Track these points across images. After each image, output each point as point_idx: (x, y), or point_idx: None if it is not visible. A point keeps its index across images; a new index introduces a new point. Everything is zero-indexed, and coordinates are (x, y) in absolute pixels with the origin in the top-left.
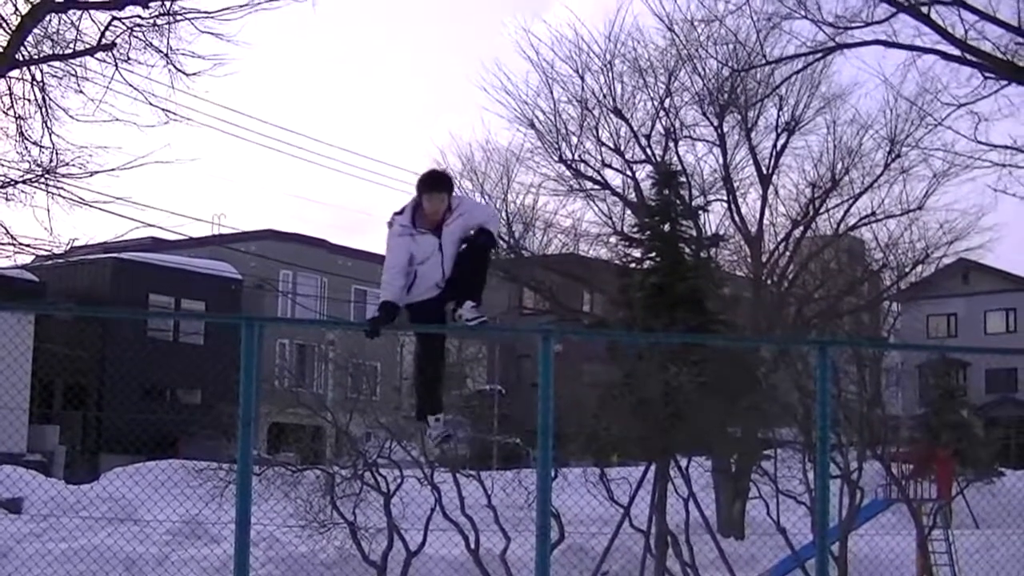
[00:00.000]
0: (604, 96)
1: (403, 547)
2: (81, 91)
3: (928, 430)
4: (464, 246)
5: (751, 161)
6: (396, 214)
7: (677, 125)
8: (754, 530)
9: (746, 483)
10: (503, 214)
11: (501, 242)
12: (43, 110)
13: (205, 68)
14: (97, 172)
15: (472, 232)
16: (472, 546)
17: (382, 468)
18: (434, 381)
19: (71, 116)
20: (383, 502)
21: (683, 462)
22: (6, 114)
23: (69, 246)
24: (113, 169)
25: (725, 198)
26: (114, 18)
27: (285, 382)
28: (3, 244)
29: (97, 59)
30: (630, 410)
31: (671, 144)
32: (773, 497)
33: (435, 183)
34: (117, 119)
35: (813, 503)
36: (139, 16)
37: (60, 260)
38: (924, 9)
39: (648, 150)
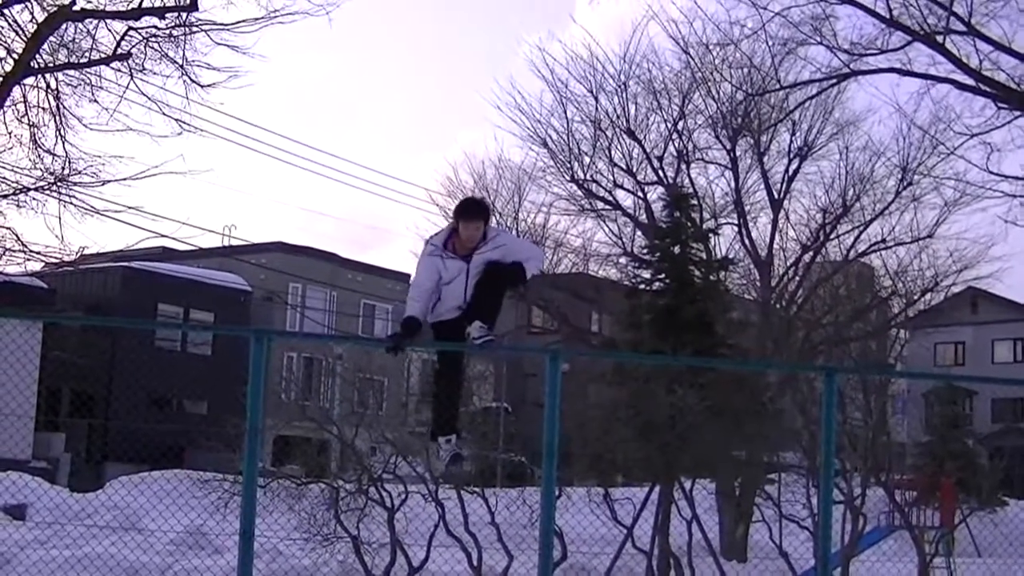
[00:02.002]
0: (618, 117)
1: (406, 562)
2: (95, 100)
3: (932, 458)
4: (489, 270)
5: (763, 185)
6: (434, 235)
7: (690, 148)
8: (756, 553)
9: (749, 506)
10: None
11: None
12: (57, 118)
13: (220, 80)
14: (109, 181)
15: (507, 261)
16: (475, 563)
17: (387, 483)
18: (449, 402)
19: (85, 125)
20: (387, 517)
21: (687, 484)
22: (20, 121)
23: (79, 254)
24: (126, 179)
25: (736, 221)
26: (130, 28)
27: (292, 395)
28: (14, 251)
29: (112, 68)
30: (635, 431)
31: (683, 166)
32: (776, 521)
33: (471, 211)
34: (131, 129)
35: (816, 528)
36: (155, 27)
37: (70, 268)
38: (939, 38)
39: (660, 172)
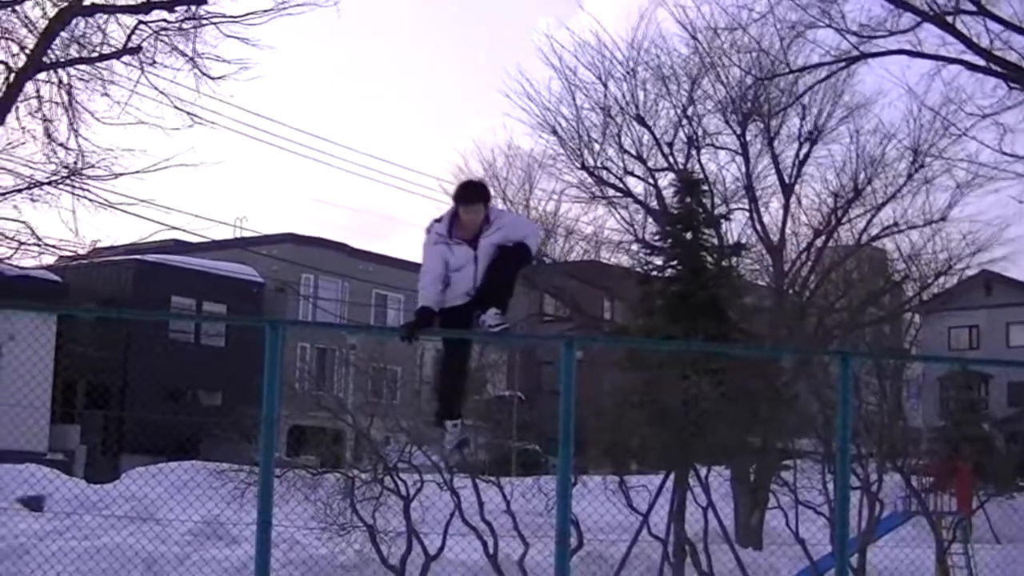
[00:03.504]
0: (627, 103)
1: (422, 551)
2: (107, 94)
3: (948, 443)
4: (496, 254)
5: (773, 170)
6: (435, 221)
7: (700, 133)
8: (772, 540)
9: (765, 493)
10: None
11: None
12: (69, 112)
13: (230, 72)
14: (122, 174)
15: (511, 243)
16: (491, 551)
17: (402, 472)
18: (455, 388)
19: (97, 119)
20: (403, 506)
21: (702, 471)
22: (33, 116)
23: (93, 247)
24: (138, 171)
25: (747, 207)
26: (140, 22)
27: (306, 385)
28: (28, 245)
29: (123, 62)
30: (650, 418)
31: (693, 152)
32: (792, 508)
33: (471, 195)
34: (142, 122)
35: (832, 514)
36: (165, 20)
37: (83, 261)
38: (949, 19)
39: (670, 158)
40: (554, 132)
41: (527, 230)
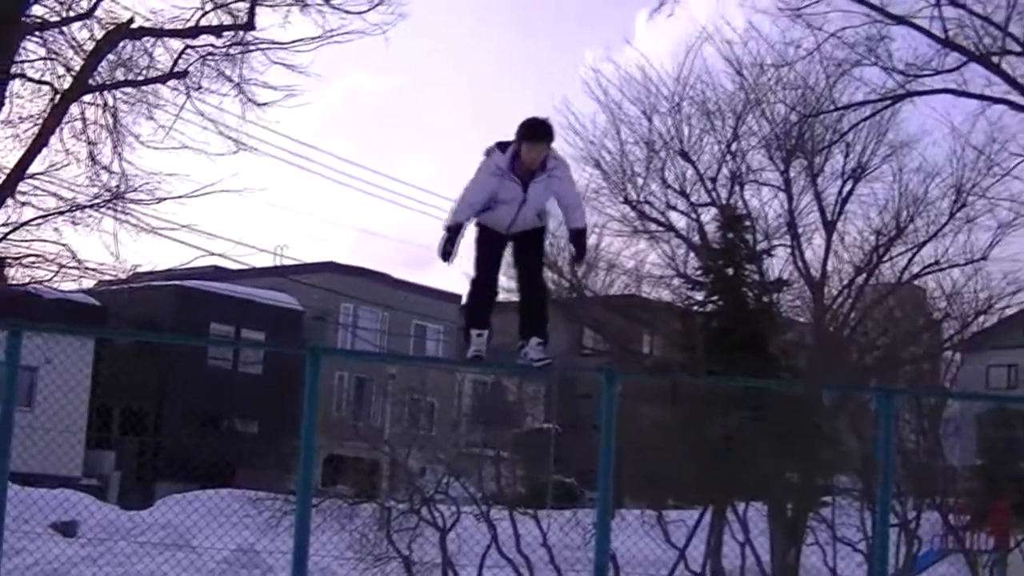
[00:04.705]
0: (671, 138)
1: None
2: (152, 118)
3: (987, 481)
4: (522, 272)
5: (816, 207)
6: (498, 147)
7: (743, 169)
8: None
9: (802, 529)
10: (565, 254)
11: (566, 279)
12: (114, 136)
13: (276, 99)
14: (165, 199)
15: (558, 204)
16: None
17: (439, 503)
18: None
19: (141, 142)
20: (439, 537)
21: (740, 507)
22: (78, 138)
23: (133, 272)
24: (181, 196)
25: (789, 243)
26: (187, 46)
27: (343, 414)
28: (68, 267)
29: (169, 87)
30: (689, 453)
31: (736, 188)
32: (829, 544)
33: (539, 133)
34: (187, 147)
35: (870, 551)
36: (212, 45)
37: (124, 286)
38: (995, 59)
39: (713, 193)
40: (598, 166)
41: (575, 199)
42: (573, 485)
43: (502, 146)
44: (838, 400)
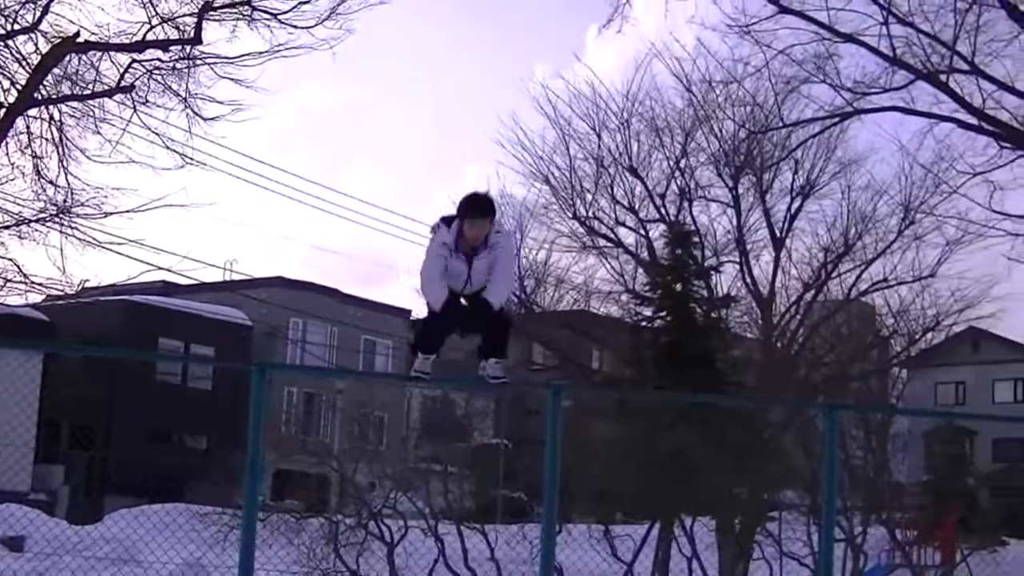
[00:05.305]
0: (620, 154)
1: None
2: (98, 132)
3: (933, 496)
4: (481, 314)
5: (764, 223)
6: (443, 223)
7: (692, 185)
8: None
9: (750, 544)
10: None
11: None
12: (60, 149)
13: (223, 113)
14: (112, 213)
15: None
16: None
17: (386, 518)
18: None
19: (88, 156)
20: (386, 552)
21: (687, 521)
22: (23, 152)
23: (81, 286)
24: (128, 211)
25: (738, 259)
26: (134, 60)
27: (292, 429)
28: (15, 282)
29: (116, 101)
30: (637, 468)
31: (685, 204)
32: (776, 559)
33: (479, 210)
34: (133, 161)
35: (816, 566)
36: (159, 59)
37: (71, 300)
38: (943, 77)
39: (662, 209)
40: (547, 181)
41: (503, 278)
42: (523, 500)
43: (447, 220)
44: (786, 416)
